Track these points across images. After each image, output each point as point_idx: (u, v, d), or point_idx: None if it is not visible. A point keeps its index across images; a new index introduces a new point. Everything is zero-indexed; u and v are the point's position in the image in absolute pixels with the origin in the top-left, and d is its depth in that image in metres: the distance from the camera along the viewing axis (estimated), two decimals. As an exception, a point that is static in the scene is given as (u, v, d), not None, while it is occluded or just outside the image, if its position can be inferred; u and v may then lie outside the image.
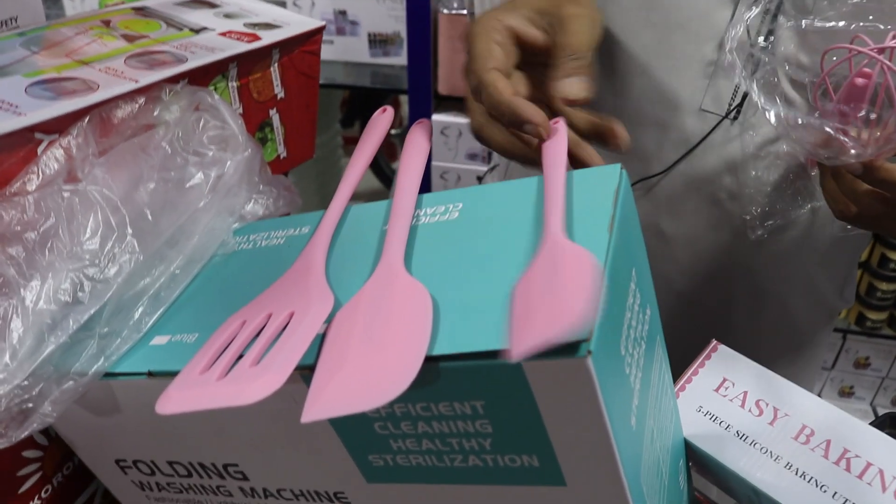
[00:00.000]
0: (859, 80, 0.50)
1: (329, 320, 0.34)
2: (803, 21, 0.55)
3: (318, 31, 0.57)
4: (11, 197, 0.37)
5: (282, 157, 0.59)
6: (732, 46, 0.53)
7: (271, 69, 0.54)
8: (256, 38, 0.52)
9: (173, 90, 0.44)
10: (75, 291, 0.37)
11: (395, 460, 0.35)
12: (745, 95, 0.65)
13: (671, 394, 0.45)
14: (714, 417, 0.48)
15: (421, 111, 1.54)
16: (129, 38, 0.49)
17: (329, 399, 0.29)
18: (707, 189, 0.70)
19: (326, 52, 1.62)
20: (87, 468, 0.44)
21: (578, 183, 0.37)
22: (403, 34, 1.59)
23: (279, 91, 0.56)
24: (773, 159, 0.65)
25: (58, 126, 0.40)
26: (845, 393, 1.93)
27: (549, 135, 0.43)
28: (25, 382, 0.35)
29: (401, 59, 1.62)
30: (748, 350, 0.53)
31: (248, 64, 0.52)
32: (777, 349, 0.81)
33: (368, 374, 0.29)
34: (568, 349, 0.28)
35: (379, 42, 1.61)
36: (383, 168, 2.50)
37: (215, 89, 0.50)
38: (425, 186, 0.48)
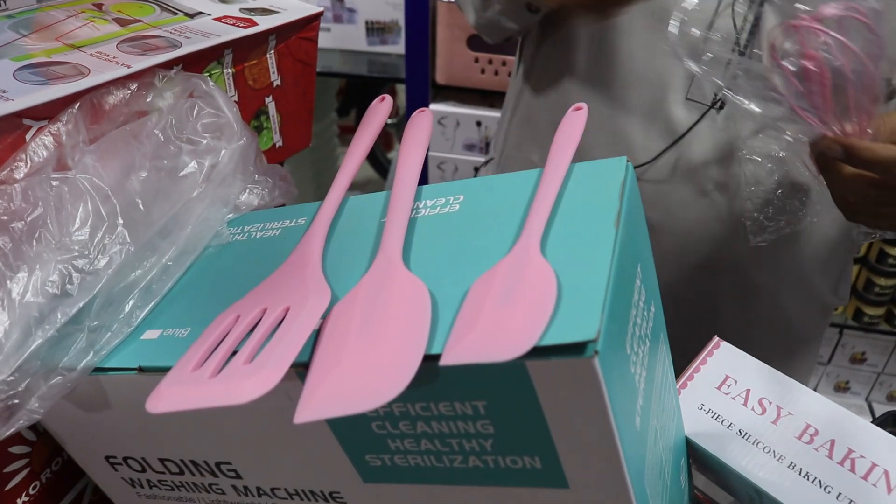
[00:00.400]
0: (805, 62, 0.49)
1: (326, 315, 0.33)
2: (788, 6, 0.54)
3: (316, 18, 0.56)
4: (-2, 185, 0.36)
5: (278, 145, 0.58)
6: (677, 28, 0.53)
7: (267, 56, 0.53)
8: (253, 23, 0.51)
9: (167, 76, 0.43)
10: (64, 283, 0.36)
11: (393, 460, 0.34)
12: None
13: (673, 392, 0.44)
14: (716, 415, 0.47)
15: (419, 100, 1.53)
16: (122, 22, 0.48)
17: (323, 399, 0.28)
18: (694, 180, 0.69)
19: (323, 40, 1.60)
20: (77, 464, 0.43)
21: (583, 176, 0.36)
22: (401, 22, 1.57)
23: (275, 78, 0.55)
24: (764, 163, 0.64)
25: (47, 112, 0.39)
26: (841, 388, 1.93)
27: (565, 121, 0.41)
28: (11, 378, 0.34)
29: (398, 47, 1.60)
30: (740, 344, 0.53)
31: (244, 50, 0.51)
32: (769, 345, 0.81)
33: (365, 373, 0.28)
34: (574, 349, 0.27)
35: (376, 30, 1.59)
36: (379, 158, 2.48)
37: (210, 76, 0.48)
38: (422, 177, 0.47)
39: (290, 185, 0.48)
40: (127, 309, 0.38)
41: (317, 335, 0.32)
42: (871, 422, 0.46)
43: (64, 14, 0.48)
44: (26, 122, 0.38)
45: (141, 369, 0.35)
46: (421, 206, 0.39)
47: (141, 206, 0.40)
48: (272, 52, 0.53)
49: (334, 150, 2.29)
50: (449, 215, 0.37)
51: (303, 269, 0.36)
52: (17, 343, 0.34)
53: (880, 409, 1.89)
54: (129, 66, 0.42)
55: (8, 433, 0.34)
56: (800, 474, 0.43)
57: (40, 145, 0.38)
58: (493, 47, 1.43)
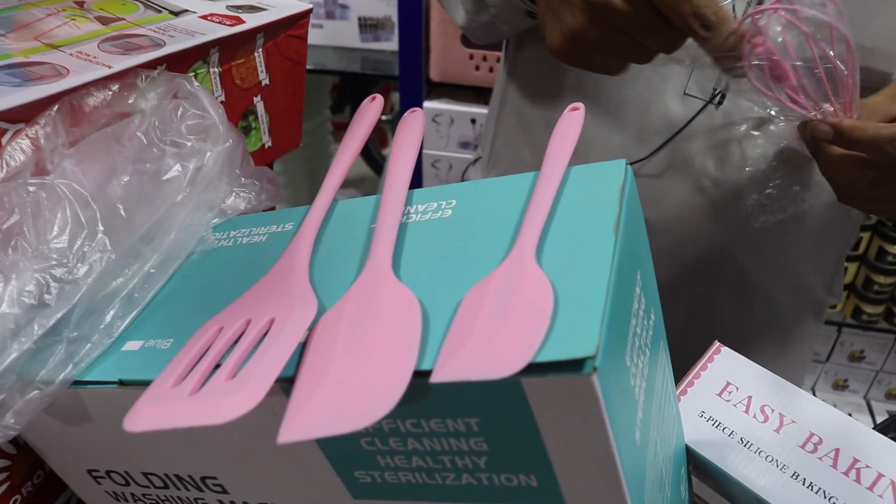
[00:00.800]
0: (759, 48, 0.48)
1: (312, 326, 0.31)
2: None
3: (305, 15, 0.54)
4: (-29, 192, 0.34)
5: (266, 146, 0.57)
6: None
7: (255, 54, 0.52)
8: (240, 21, 0.49)
9: (150, 76, 0.42)
10: (41, 293, 0.35)
11: (384, 477, 0.33)
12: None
13: (673, 400, 0.43)
14: (717, 423, 0.46)
15: (412, 98, 1.52)
16: (104, 21, 0.46)
17: (309, 418, 0.27)
18: (691, 176, 0.68)
19: (315, 37, 1.59)
20: (59, 477, 0.42)
21: (581, 179, 0.35)
22: (395, 18, 1.56)
23: (264, 77, 0.53)
24: (763, 142, 0.63)
25: (24, 114, 0.37)
26: (839, 386, 1.92)
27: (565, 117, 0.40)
28: (-14, 392, 0.32)
29: (392, 44, 1.59)
30: (735, 343, 0.52)
31: (231, 49, 0.49)
32: (764, 343, 0.80)
33: (352, 389, 0.27)
34: (572, 365, 0.25)
35: (369, 26, 1.58)
36: (373, 154, 2.47)
37: (195, 76, 0.47)
38: (416, 175, 0.46)
39: (278, 187, 0.47)
40: (107, 319, 0.36)
41: (303, 348, 0.30)
42: (872, 424, 0.45)
43: (43, 12, 0.46)
44: (2, 124, 0.36)
45: (122, 382, 0.33)
46: (412, 210, 0.37)
47: (122, 212, 0.38)
48: (260, 50, 0.52)
49: (328, 147, 2.28)
50: (441, 221, 0.36)
51: (289, 277, 0.35)
52: (-8, 356, 0.33)
53: (879, 408, 1.89)
54: (110, 67, 0.41)
55: (-18, 450, 0.33)
56: (803, 484, 0.42)
57: (17, 149, 0.37)
58: (488, 44, 1.42)
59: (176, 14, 0.49)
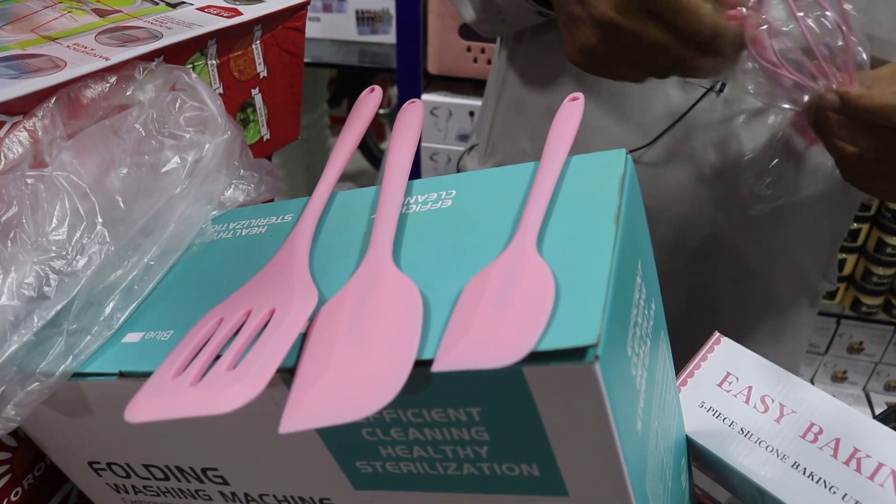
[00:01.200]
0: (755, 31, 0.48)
1: (313, 317, 0.31)
2: None
3: (303, 7, 0.54)
4: (-31, 184, 0.34)
5: (265, 139, 0.56)
6: None
7: (253, 46, 0.52)
8: (237, 13, 0.49)
9: (147, 68, 0.42)
10: (40, 285, 0.35)
11: (385, 467, 0.33)
12: None
13: (674, 390, 0.43)
14: (717, 413, 0.46)
15: (410, 91, 1.52)
16: (101, 13, 0.46)
17: (310, 408, 0.27)
18: (691, 163, 0.68)
19: (313, 30, 1.59)
20: (60, 469, 0.42)
21: (581, 169, 0.35)
22: (392, 11, 1.55)
23: (262, 70, 0.53)
24: (763, 129, 0.63)
25: (22, 107, 0.37)
26: (838, 378, 1.92)
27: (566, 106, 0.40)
28: (-15, 384, 0.32)
29: (390, 36, 1.59)
30: (732, 331, 0.52)
31: (229, 41, 0.49)
32: (761, 330, 0.81)
33: (353, 379, 0.27)
34: (573, 354, 0.25)
35: (367, 19, 1.58)
36: (371, 148, 2.46)
37: (193, 68, 0.47)
38: (414, 168, 0.46)
39: (276, 179, 0.47)
40: (107, 311, 0.36)
41: (303, 339, 0.30)
42: (871, 415, 0.45)
43: (40, 4, 0.46)
44: (0, 117, 0.36)
45: (122, 374, 0.33)
46: (412, 201, 0.37)
47: (121, 204, 0.38)
48: (258, 42, 0.52)
49: (326, 140, 2.28)
50: (441, 211, 0.36)
51: (289, 268, 0.35)
52: (-8, 349, 0.33)
53: (878, 399, 1.89)
54: (107, 59, 0.40)
55: (-18, 443, 0.33)
56: (804, 474, 0.42)
57: (15, 141, 0.37)
58: (486, 36, 1.42)
59: (173, 6, 0.49)
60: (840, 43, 0.48)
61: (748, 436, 0.44)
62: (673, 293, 0.74)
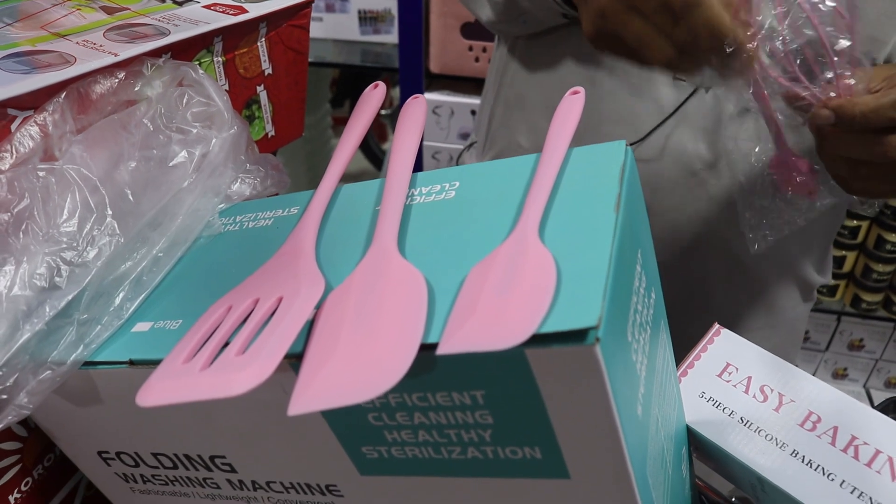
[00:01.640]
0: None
1: (319, 305, 0.32)
2: None
3: (307, 5, 0.55)
4: (-18, 176, 0.35)
5: (270, 135, 0.57)
6: None
7: (258, 44, 0.52)
8: (243, 10, 0.50)
9: (155, 65, 0.42)
10: (52, 276, 0.35)
11: (391, 452, 0.33)
12: None
13: (674, 380, 0.44)
14: (717, 403, 0.47)
15: (413, 90, 1.52)
16: (109, 10, 0.47)
17: (318, 391, 0.27)
18: (683, 159, 0.69)
19: (315, 30, 1.59)
20: (69, 459, 0.43)
21: (582, 160, 0.36)
22: (394, 11, 1.56)
23: (267, 67, 0.54)
24: (754, 121, 0.63)
25: (32, 101, 0.38)
26: (839, 375, 1.93)
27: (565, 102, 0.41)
28: (0, 372, 0.33)
29: (392, 36, 1.59)
30: (726, 324, 0.52)
31: (235, 38, 0.50)
32: (755, 324, 0.81)
33: (360, 363, 0.28)
34: (575, 336, 0.26)
35: (369, 19, 1.58)
36: (373, 148, 2.47)
37: (200, 64, 0.48)
38: (417, 167, 0.47)
39: (282, 174, 0.47)
40: (117, 301, 0.37)
41: (311, 325, 0.31)
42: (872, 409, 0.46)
43: (49, 2, 0.47)
44: (11, 111, 0.37)
45: (132, 362, 0.34)
46: (416, 193, 0.38)
47: (130, 197, 0.39)
48: (263, 39, 0.52)
49: (328, 141, 2.28)
50: (444, 202, 0.37)
51: (296, 258, 0.35)
52: (5, 337, 0.33)
53: (878, 396, 1.89)
54: (116, 55, 0.41)
55: (-4, 429, 0.34)
56: (803, 462, 0.43)
57: (26, 135, 0.37)
58: (487, 35, 1.43)
59: (180, 4, 0.50)
60: (840, 42, 0.48)
61: (748, 425, 0.45)
62: (668, 287, 0.75)
